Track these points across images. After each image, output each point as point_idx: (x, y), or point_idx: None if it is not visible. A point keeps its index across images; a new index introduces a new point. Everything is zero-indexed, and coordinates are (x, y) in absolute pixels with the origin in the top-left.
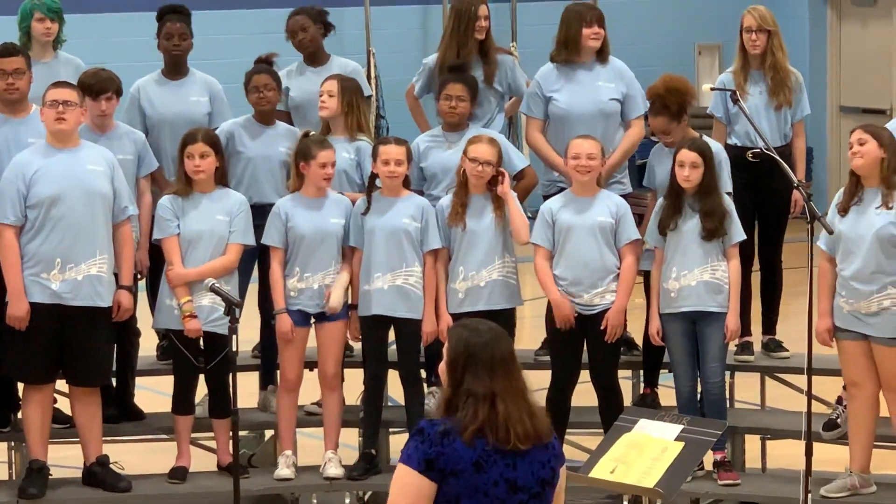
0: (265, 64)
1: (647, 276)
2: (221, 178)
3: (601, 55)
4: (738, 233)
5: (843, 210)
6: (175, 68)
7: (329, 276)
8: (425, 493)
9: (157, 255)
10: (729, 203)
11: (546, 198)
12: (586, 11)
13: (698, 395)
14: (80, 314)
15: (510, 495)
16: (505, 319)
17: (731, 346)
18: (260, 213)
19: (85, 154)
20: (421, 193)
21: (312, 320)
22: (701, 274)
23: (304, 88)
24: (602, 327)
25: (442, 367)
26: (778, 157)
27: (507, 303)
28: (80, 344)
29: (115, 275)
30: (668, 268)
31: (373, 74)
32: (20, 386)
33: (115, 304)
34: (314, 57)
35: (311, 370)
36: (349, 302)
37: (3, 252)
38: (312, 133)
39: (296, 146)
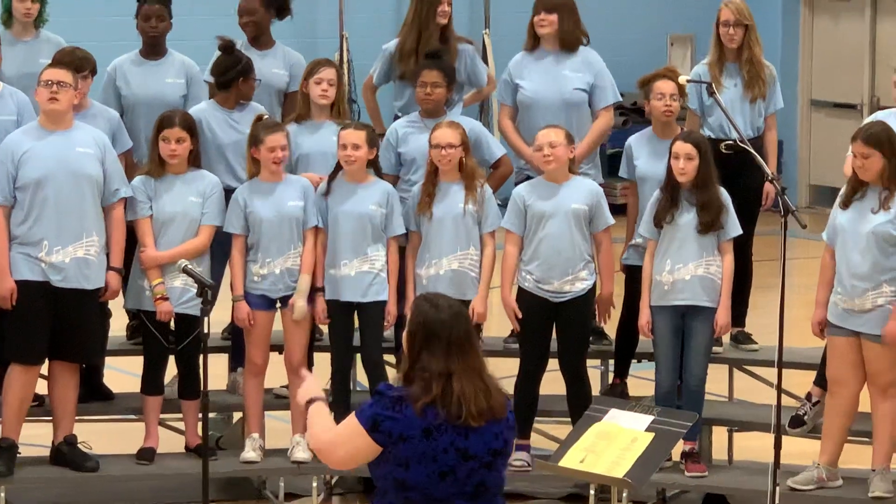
0: (230, 49)
1: (630, 269)
2: (195, 160)
3: (566, 44)
4: (734, 227)
5: (845, 204)
6: (152, 49)
7: (290, 258)
8: (367, 449)
9: (129, 236)
10: (726, 197)
11: (517, 185)
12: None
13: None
14: (69, 295)
15: (460, 462)
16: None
17: None
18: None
19: (76, 136)
20: (397, 178)
21: (278, 304)
22: (696, 268)
23: None
24: (600, 323)
25: (403, 336)
26: (752, 150)
27: (462, 295)
28: (70, 323)
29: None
30: (661, 260)
31: (345, 59)
32: None
33: (104, 284)
34: (259, 41)
35: (280, 353)
36: (316, 285)
37: None
38: (266, 117)
39: (250, 132)
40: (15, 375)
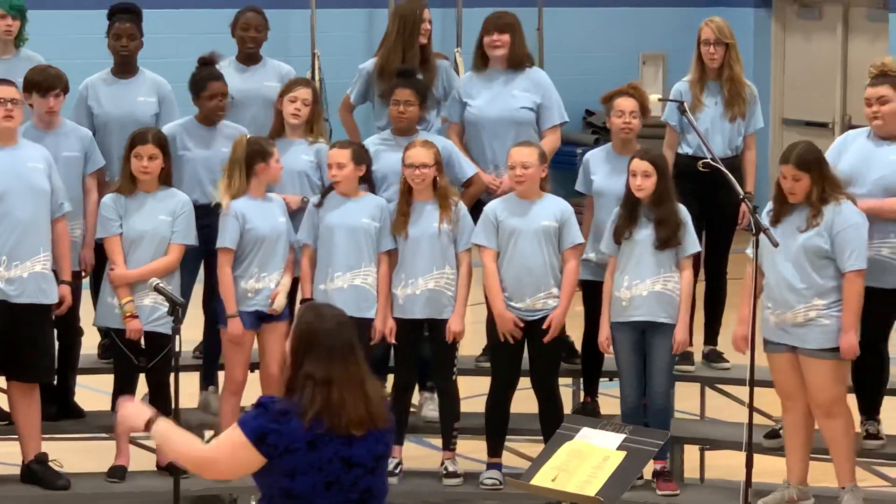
0: (210, 65)
1: (586, 285)
2: (166, 178)
3: (515, 63)
4: (692, 244)
5: (775, 221)
6: (124, 68)
7: (280, 274)
8: (251, 461)
9: (100, 253)
10: (684, 213)
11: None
12: (490, 19)
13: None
14: (26, 311)
15: (345, 471)
16: (439, 330)
17: None
18: (204, 213)
19: (25, 152)
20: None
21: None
22: (653, 284)
23: (237, 87)
24: (544, 327)
25: (287, 345)
26: (724, 169)
27: (438, 314)
28: (25, 340)
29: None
30: (620, 276)
31: (317, 77)
32: None
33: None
34: (253, 57)
35: (252, 371)
36: (305, 297)
37: None
38: (249, 136)
39: (245, 150)
40: None
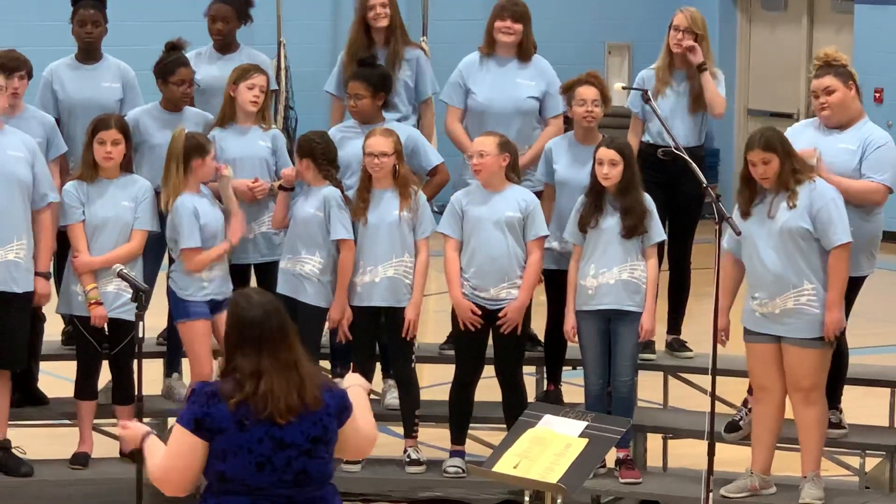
0: (178, 50)
1: (549, 274)
2: (127, 164)
3: (523, 52)
4: (657, 233)
5: (745, 213)
6: (88, 54)
7: (225, 261)
8: (197, 450)
9: (62, 240)
10: (650, 202)
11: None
12: (504, 5)
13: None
14: None
15: (276, 451)
16: (396, 318)
17: None
18: None
19: (6, 139)
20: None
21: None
22: (619, 273)
23: (213, 75)
24: (499, 322)
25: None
26: (686, 157)
27: (397, 302)
28: None
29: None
30: (586, 265)
31: (283, 66)
32: None
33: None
34: (227, 46)
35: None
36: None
37: None
38: (186, 130)
39: (181, 146)
40: None
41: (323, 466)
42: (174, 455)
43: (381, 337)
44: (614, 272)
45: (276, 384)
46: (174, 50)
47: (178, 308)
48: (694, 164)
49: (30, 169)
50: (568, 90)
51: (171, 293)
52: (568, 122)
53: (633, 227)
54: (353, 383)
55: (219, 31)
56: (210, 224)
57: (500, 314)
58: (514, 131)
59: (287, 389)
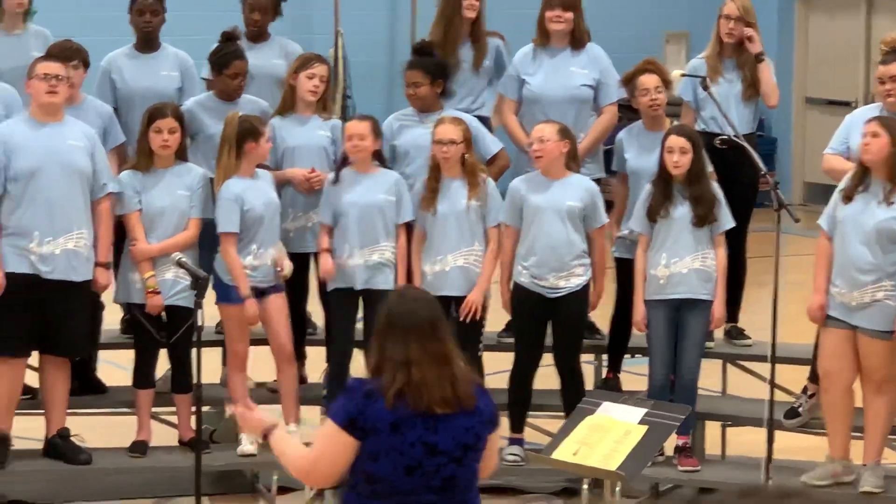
0: (234, 40)
1: (620, 262)
2: (182, 153)
3: (576, 42)
4: (727, 220)
5: (847, 197)
6: (146, 43)
7: (278, 248)
8: (347, 448)
9: (119, 230)
10: (718, 190)
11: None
12: None
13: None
14: (57, 287)
15: (428, 457)
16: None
17: None
18: None
19: (67, 129)
20: (394, 170)
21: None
22: (692, 262)
23: (251, 63)
24: (570, 310)
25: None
26: (746, 144)
27: (468, 291)
28: (57, 316)
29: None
30: (656, 255)
31: (340, 55)
32: None
33: (93, 279)
34: (259, 36)
35: (264, 346)
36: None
37: None
38: (240, 114)
39: (236, 128)
40: (1, 369)
41: (470, 474)
42: (324, 450)
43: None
44: (687, 261)
45: (427, 374)
46: (230, 41)
47: (221, 291)
48: (753, 152)
49: (89, 159)
50: (629, 81)
51: (215, 276)
52: (633, 111)
53: (705, 216)
54: (268, 425)
55: (255, 22)
56: (255, 209)
57: (584, 304)
58: (570, 120)
59: (440, 381)
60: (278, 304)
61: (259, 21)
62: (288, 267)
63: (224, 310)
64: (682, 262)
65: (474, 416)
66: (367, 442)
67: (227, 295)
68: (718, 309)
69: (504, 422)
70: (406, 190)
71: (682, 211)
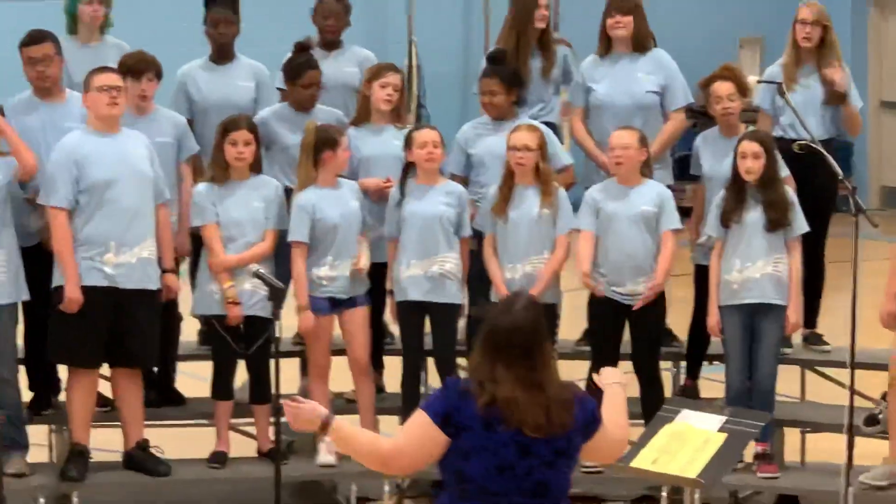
0: (307, 50)
1: (697, 269)
2: (257, 165)
3: (639, 46)
4: (800, 225)
5: None
6: (221, 54)
7: (354, 258)
8: (436, 442)
9: (195, 242)
10: (791, 194)
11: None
12: (611, 2)
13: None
14: (133, 296)
15: (520, 458)
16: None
17: None
18: None
19: (128, 139)
20: (466, 180)
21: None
22: (765, 266)
23: (325, 73)
24: (634, 306)
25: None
26: (823, 150)
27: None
28: (131, 326)
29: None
30: (729, 260)
31: (414, 64)
32: (61, 368)
33: (163, 286)
34: (334, 44)
35: (343, 356)
36: (388, 288)
37: (59, 236)
38: (318, 123)
39: (312, 139)
40: (73, 379)
41: (562, 479)
42: (412, 441)
43: None
44: (759, 266)
45: (517, 396)
46: (303, 51)
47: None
48: (830, 157)
49: (151, 166)
50: (706, 87)
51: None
52: (709, 116)
53: (778, 221)
54: (612, 380)
55: (329, 28)
56: (328, 219)
57: (638, 305)
58: (637, 126)
59: (531, 406)
60: (357, 318)
61: (333, 27)
62: (364, 260)
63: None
64: (754, 266)
65: (574, 423)
66: (458, 439)
67: (313, 304)
68: (793, 314)
69: None
70: (467, 204)
71: (754, 216)
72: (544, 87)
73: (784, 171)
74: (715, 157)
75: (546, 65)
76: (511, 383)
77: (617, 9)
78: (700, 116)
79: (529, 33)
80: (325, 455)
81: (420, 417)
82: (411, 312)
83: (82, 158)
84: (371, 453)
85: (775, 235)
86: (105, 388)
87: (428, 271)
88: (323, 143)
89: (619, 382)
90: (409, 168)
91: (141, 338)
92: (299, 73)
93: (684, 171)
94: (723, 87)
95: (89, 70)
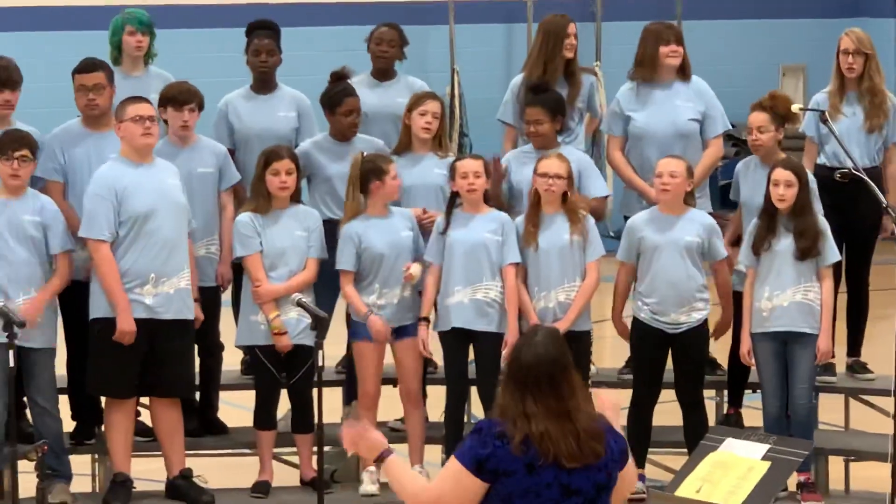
0: (343, 79)
1: (734, 295)
2: (296, 195)
3: (682, 74)
4: (832, 254)
5: None
6: (263, 84)
7: (406, 288)
8: (473, 491)
9: (237, 271)
10: (823, 223)
11: (627, 219)
12: (664, 30)
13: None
14: (170, 327)
15: (563, 498)
16: (573, 342)
17: None
18: (334, 229)
19: (161, 170)
20: (510, 208)
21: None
22: (794, 294)
23: (370, 103)
24: (713, 338)
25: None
26: (866, 178)
27: (573, 326)
28: (167, 356)
29: None
30: (760, 287)
31: (457, 93)
32: (103, 399)
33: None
34: (386, 73)
35: (394, 387)
36: (421, 315)
37: (104, 268)
38: (365, 153)
39: (360, 168)
40: (111, 409)
41: None
42: (449, 490)
43: None
44: (788, 294)
45: (549, 427)
46: (340, 80)
47: (352, 328)
48: (873, 185)
49: (184, 196)
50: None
51: (347, 314)
52: (743, 145)
53: (808, 249)
54: (608, 406)
55: (383, 54)
56: (374, 248)
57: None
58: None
59: (564, 436)
60: (408, 347)
61: (387, 53)
62: (416, 268)
63: (356, 347)
64: (783, 294)
65: (606, 456)
66: (498, 484)
67: (355, 332)
68: (824, 342)
69: None
70: (513, 231)
71: (785, 244)
72: (570, 116)
73: (817, 204)
74: (752, 186)
75: (572, 93)
76: (542, 416)
77: (675, 38)
78: (743, 144)
79: (557, 62)
80: (369, 485)
81: (454, 465)
82: (455, 340)
83: (122, 190)
84: (415, 496)
85: (805, 264)
86: (147, 418)
87: (472, 298)
88: (369, 173)
89: (389, 452)
90: (454, 197)
91: (178, 367)
92: (338, 101)
93: (727, 199)
94: (755, 119)
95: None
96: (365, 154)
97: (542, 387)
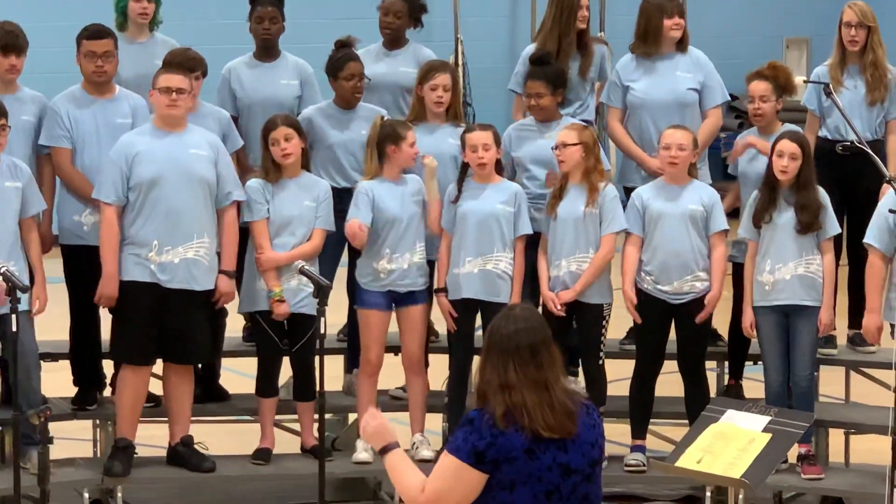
0: (347, 47)
1: (735, 267)
2: (306, 162)
3: (681, 45)
4: (833, 227)
5: None
6: (266, 51)
7: (416, 254)
8: (473, 484)
9: (242, 237)
10: (825, 197)
11: (626, 189)
12: (666, 3)
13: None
14: (177, 296)
15: (564, 479)
16: (587, 313)
17: None
18: (341, 197)
19: (190, 138)
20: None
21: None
22: (795, 268)
23: (380, 72)
24: (697, 319)
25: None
26: (869, 151)
27: (585, 297)
28: (177, 324)
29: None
30: (762, 261)
31: (460, 62)
32: (105, 364)
33: (216, 287)
34: (395, 42)
35: (395, 355)
36: (436, 286)
37: (103, 231)
38: (386, 117)
39: (378, 132)
40: (126, 376)
41: (598, 488)
42: (448, 488)
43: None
44: (790, 267)
45: (527, 398)
46: (344, 47)
47: (357, 294)
48: (876, 158)
49: (213, 167)
50: (748, 83)
51: (351, 280)
52: (746, 116)
53: (810, 223)
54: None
55: (389, 25)
56: (388, 210)
57: (697, 316)
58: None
59: (540, 406)
60: (416, 314)
61: (393, 24)
62: (431, 158)
63: (361, 314)
64: (785, 267)
65: (595, 430)
66: (499, 473)
67: (360, 298)
68: (825, 315)
69: (626, 429)
70: (525, 202)
71: (786, 217)
72: (581, 86)
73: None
74: (751, 156)
75: (584, 64)
76: (521, 385)
77: (677, 10)
78: (745, 114)
79: (572, 35)
80: (362, 452)
81: (451, 462)
82: (464, 310)
83: (134, 156)
84: (410, 497)
85: (807, 237)
86: (151, 385)
87: (482, 269)
88: (386, 138)
89: (395, 445)
90: (466, 167)
91: (191, 336)
92: (340, 66)
93: (726, 170)
94: (757, 88)
95: (137, 65)
96: (385, 118)
97: (522, 354)
